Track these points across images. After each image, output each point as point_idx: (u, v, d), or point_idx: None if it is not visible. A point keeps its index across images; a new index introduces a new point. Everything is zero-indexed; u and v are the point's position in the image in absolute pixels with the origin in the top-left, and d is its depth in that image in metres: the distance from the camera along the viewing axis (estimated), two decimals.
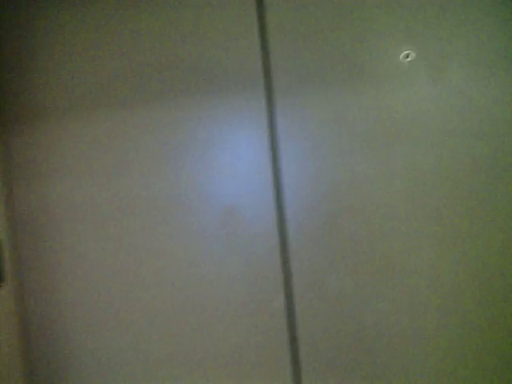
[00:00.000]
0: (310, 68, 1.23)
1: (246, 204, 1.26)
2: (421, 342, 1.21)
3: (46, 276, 1.31)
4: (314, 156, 1.24)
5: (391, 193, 1.21)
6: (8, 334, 1.23)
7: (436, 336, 1.20)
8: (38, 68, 1.30)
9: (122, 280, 1.29)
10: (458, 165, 1.19)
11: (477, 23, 1.18)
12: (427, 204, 1.20)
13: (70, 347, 1.31)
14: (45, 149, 1.31)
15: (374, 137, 1.22)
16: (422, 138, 1.20)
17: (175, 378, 1.28)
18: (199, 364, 1.27)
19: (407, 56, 1.20)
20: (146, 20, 1.27)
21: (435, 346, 1.21)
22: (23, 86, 1.30)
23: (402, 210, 1.21)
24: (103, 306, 1.30)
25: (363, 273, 1.22)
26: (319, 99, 1.23)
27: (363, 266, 1.22)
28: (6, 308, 1.23)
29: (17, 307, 1.28)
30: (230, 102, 1.25)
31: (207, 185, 1.27)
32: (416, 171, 1.21)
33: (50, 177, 1.31)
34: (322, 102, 1.23)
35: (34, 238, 1.31)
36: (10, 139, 1.31)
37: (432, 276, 1.20)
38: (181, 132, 1.27)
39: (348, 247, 1.23)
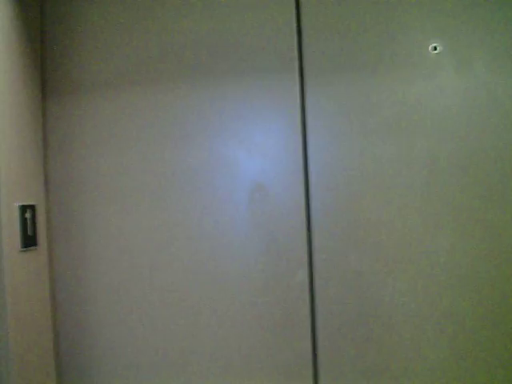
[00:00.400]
0: (341, 55, 1.29)
1: (273, 182, 1.31)
2: (434, 320, 1.25)
3: (76, 244, 1.37)
4: (340, 138, 1.29)
5: (412, 178, 1.26)
6: (40, 295, 1.27)
7: (450, 316, 1.24)
8: (80, 45, 1.37)
9: (150, 250, 1.34)
10: (477, 156, 1.24)
11: (503, 18, 1.24)
12: (445, 190, 1.25)
13: (97, 316, 1.35)
14: (79, 119, 1.37)
15: (398, 124, 1.28)
16: (444, 128, 1.26)
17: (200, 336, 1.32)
18: (228, 331, 1.32)
19: (435, 48, 1.26)
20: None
21: (449, 325, 1.24)
22: (65, 61, 1.38)
23: (422, 195, 1.26)
24: (133, 276, 1.35)
25: (382, 253, 1.27)
26: (348, 85, 1.29)
27: (382, 247, 1.27)
28: (38, 271, 1.28)
29: (48, 271, 1.33)
30: (264, 83, 1.31)
31: (238, 162, 1.32)
32: (436, 159, 1.26)
33: (84, 147, 1.37)
34: (350, 88, 1.29)
35: (66, 206, 1.37)
36: (48, 110, 1.37)
37: (448, 259, 1.25)
38: (213, 109, 1.33)
39: (368, 227, 1.28)
